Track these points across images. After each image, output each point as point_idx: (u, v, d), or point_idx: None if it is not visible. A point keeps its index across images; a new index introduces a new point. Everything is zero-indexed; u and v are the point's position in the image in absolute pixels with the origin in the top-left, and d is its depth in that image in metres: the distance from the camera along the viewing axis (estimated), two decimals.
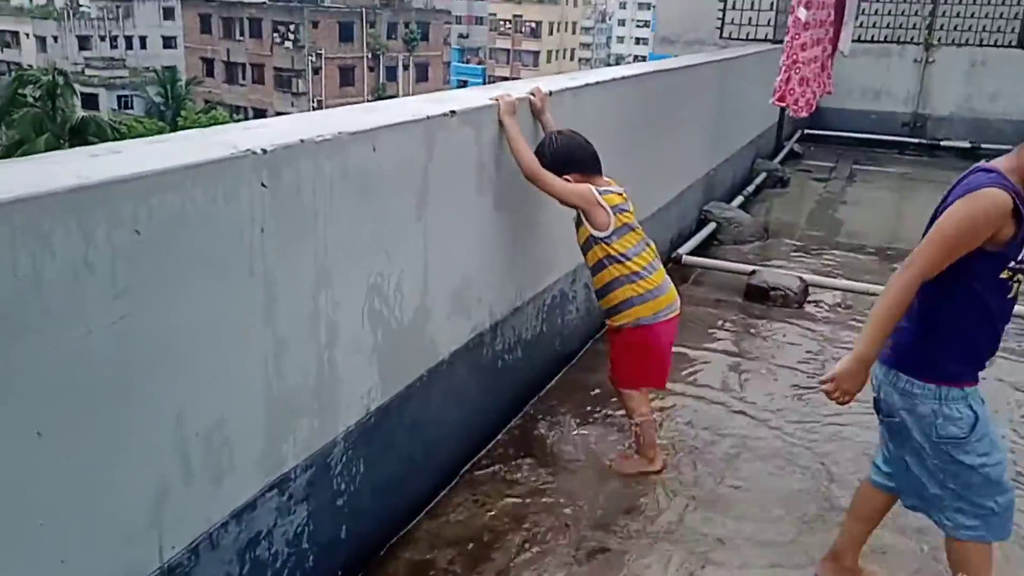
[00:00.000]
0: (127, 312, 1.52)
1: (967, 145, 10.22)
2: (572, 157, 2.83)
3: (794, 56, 5.12)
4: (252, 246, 1.80)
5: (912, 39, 10.26)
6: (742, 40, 9.17)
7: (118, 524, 1.58)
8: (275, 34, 44.31)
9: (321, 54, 44.13)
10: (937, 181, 8.79)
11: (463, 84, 60.77)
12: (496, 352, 3.10)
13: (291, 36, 43.91)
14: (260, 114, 45.33)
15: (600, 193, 2.78)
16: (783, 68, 5.32)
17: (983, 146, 10.16)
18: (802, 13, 5.10)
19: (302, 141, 1.92)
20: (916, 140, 10.51)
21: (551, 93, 3.11)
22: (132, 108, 43.21)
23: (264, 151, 1.80)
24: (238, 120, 40.66)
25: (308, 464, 2.11)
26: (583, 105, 3.50)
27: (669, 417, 3.42)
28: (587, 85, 3.52)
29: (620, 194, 2.86)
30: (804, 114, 5.64)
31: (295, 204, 1.92)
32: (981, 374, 2.12)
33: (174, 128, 36.25)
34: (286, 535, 2.08)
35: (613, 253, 2.82)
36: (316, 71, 44.47)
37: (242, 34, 45.68)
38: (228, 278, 1.76)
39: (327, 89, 45.06)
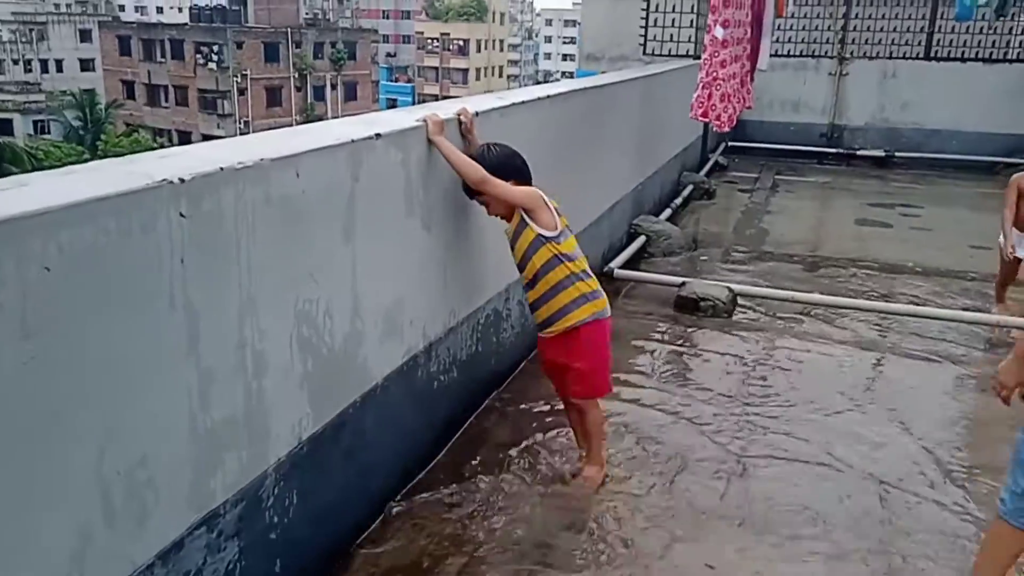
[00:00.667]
0: (38, 352, 1.46)
1: (881, 154, 10.65)
2: (512, 164, 2.94)
3: (713, 73, 5.27)
4: (172, 277, 1.75)
5: (826, 53, 10.65)
6: (665, 56, 9.38)
7: (38, 573, 1.51)
8: (198, 55, 43.47)
9: (247, 75, 43.48)
10: (855, 189, 9.14)
11: (392, 103, 60.63)
12: (431, 374, 3.08)
13: (215, 57, 43.15)
14: (185, 136, 44.44)
15: None
16: (702, 85, 5.46)
17: (897, 154, 10.61)
18: (719, 32, 5.25)
19: (222, 169, 1.88)
20: (834, 150, 10.90)
21: (478, 114, 3.12)
22: (49, 133, 41.83)
23: (182, 180, 1.75)
24: (161, 142, 40.00)
25: (238, 498, 2.05)
26: (511, 124, 3.52)
27: (609, 429, 3.44)
28: (514, 104, 3.54)
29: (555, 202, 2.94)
30: (726, 128, 5.80)
31: (216, 233, 1.88)
32: None
33: (94, 152, 35.21)
34: (216, 573, 2.01)
35: (560, 253, 2.87)
36: (242, 92, 43.77)
37: (163, 56, 44.71)
38: (147, 311, 1.70)
39: (254, 110, 44.39)
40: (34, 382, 1.46)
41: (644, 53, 9.60)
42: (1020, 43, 9.86)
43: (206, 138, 44.19)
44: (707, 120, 5.70)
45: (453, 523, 2.78)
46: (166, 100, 45.39)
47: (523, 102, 3.69)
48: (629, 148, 6.00)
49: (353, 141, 2.38)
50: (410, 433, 2.99)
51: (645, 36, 9.45)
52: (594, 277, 2.99)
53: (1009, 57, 9.90)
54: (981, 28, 9.47)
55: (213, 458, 1.95)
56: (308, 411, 2.31)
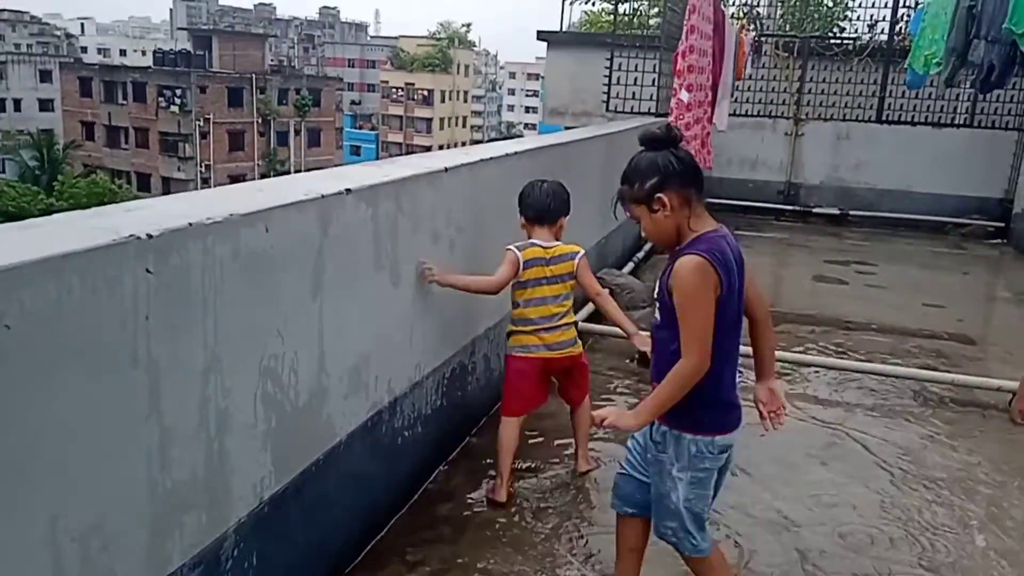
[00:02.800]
0: None
1: (836, 212, 10.92)
2: (522, 202, 3.42)
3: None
4: (136, 335, 1.72)
5: (783, 114, 10.95)
6: (627, 113, 9.55)
7: None
8: (160, 98, 43.25)
9: (209, 119, 43.33)
10: (811, 246, 9.34)
11: (356, 149, 60.84)
12: (395, 429, 3.04)
13: (177, 100, 42.97)
14: (144, 178, 43.99)
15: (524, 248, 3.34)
16: None
17: (851, 213, 10.89)
18: (684, 95, 5.39)
19: (191, 224, 1.86)
20: (790, 207, 11.15)
21: (447, 169, 3.15)
22: (4, 172, 41.10)
23: (150, 236, 1.73)
24: (120, 183, 39.45)
25: (196, 562, 1.99)
26: (479, 180, 3.55)
27: (579, 483, 3.42)
28: (482, 160, 3.58)
29: (543, 247, 3.37)
30: None
31: (183, 290, 1.85)
32: None
33: (49, 192, 34.61)
34: None
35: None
36: (204, 135, 43.56)
37: (125, 98, 44.40)
38: (109, 370, 1.66)
39: (216, 154, 44.16)
40: None
41: (607, 110, 9.77)
42: (966, 109, 10.25)
43: (166, 181, 43.79)
44: None
45: None
46: (126, 142, 44.96)
47: (491, 158, 3.73)
48: (593, 203, 6.06)
49: (323, 196, 2.37)
50: (373, 491, 2.94)
51: (608, 93, 9.63)
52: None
53: (956, 122, 10.27)
54: (930, 94, 9.82)
55: (171, 520, 1.89)
56: (270, 469, 2.26)
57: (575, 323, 3.48)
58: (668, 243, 2.31)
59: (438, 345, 3.37)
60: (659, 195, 2.25)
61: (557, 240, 3.44)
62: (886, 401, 4.60)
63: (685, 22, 5.61)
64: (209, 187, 43.24)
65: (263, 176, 46.04)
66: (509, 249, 3.30)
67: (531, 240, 3.36)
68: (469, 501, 3.25)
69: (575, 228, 5.59)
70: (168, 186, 43.77)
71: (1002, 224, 10.25)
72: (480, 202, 3.63)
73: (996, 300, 7.77)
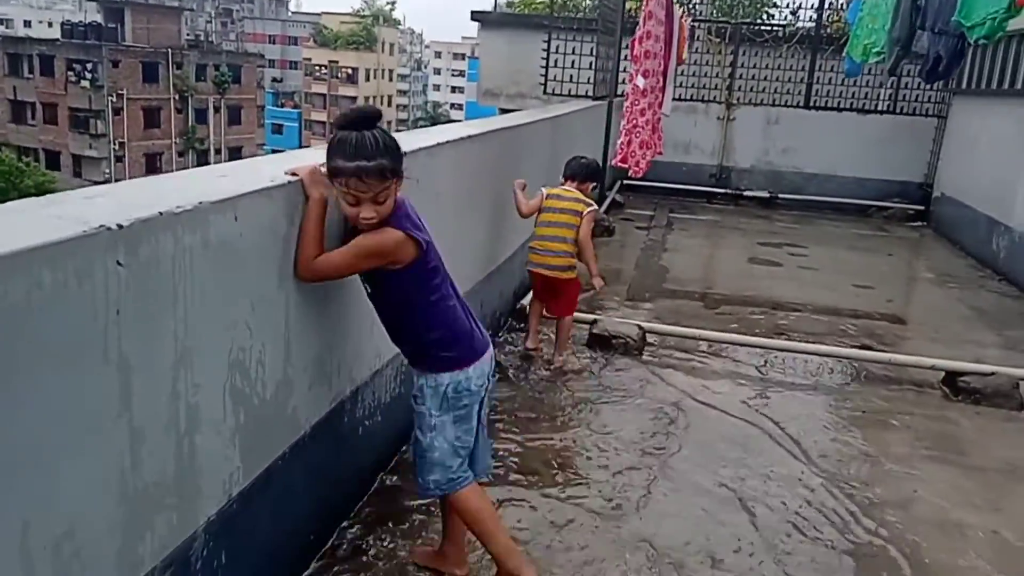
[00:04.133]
0: None
1: (766, 195, 11.20)
2: (566, 165, 4.80)
3: (634, 120, 5.43)
4: (107, 330, 1.62)
5: (715, 98, 11.15)
6: (564, 96, 9.57)
7: None
8: (70, 72, 41.27)
9: (123, 94, 41.58)
10: (744, 228, 9.57)
11: (278, 128, 59.40)
12: (356, 419, 2.98)
13: (88, 75, 41.07)
14: (53, 156, 42.01)
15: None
16: (623, 132, 5.61)
17: (780, 196, 11.20)
18: (640, 81, 5.41)
19: (161, 213, 1.76)
20: (722, 190, 11.39)
21: (405, 153, 3.08)
22: None
23: (120, 226, 1.63)
24: (27, 161, 37.59)
25: (167, 563, 1.91)
26: (437, 164, 3.49)
27: (554, 452, 3.42)
28: (439, 144, 3.52)
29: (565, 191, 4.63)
30: (641, 174, 5.97)
31: (153, 282, 1.76)
32: None
33: None
34: None
35: None
36: (117, 112, 41.80)
37: (31, 71, 42.20)
38: (79, 368, 1.57)
39: (130, 131, 42.46)
40: None
41: (545, 92, 9.77)
42: (889, 96, 10.63)
43: (77, 159, 41.88)
44: (626, 166, 5.85)
45: (382, 571, 2.69)
46: (33, 118, 42.82)
47: (448, 141, 3.67)
48: (538, 184, 6.06)
49: (290, 182, 2.29)
50: (335, 481, 2.88)
51: (546, 76, 9.62)
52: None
53: (879, 109, 10.65)
54: (855, 81, 10.16)
55: (143, 522, 1.81)
56: (239, 465, 2.18)
57: (571, 255, 4.54)
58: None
59: None
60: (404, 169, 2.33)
61: (583, 198, 4.57)
62: (825, 380, 4.75)
63: (643, 7, 5.63)
64: (123, 165, 41.67)
65: (180, 155, 44.54)
66: (542, 188, 4.65)
67: (563, 186, 4.63)
68: None
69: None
70: (79, 164, 41.94)
71: (922, 207, 10.69)
72: (439, 185, 3.57)
73: (920, 280, 8.11)
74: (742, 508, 3.26)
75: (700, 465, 3.59)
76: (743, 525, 3.14)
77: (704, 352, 5.06)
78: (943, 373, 4.70)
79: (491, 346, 2.62)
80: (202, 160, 43.59)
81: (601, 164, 8.60)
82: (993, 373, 4.61)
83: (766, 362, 4.96)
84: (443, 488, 2.54)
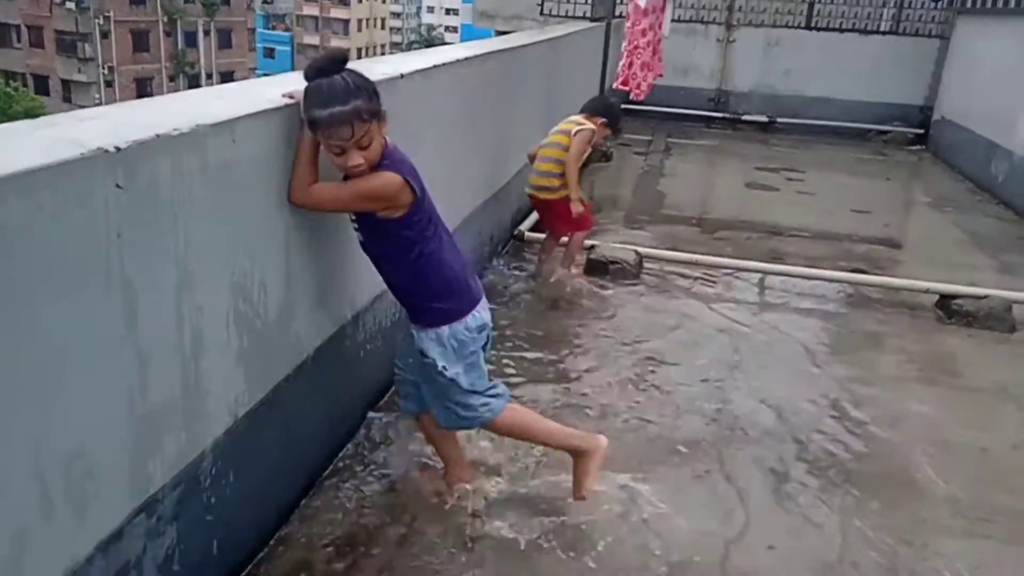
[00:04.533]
0: None
1: (765, 120, 11.07)
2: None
3: (635, 42, 5.32)
4: (109, 253, 1.63)
5: (715, 19, 10.91)
6: (561, 17, 9.36)
7: None
8: None
9: (109, 16, 40.57)
10: (741, 153, 9.49)
11: (270, 52, 58.12)
12: (358, 343, 3.02)
13: None
14: (42, 81, 41.24)
15: None
16: (624, 53, 5.50)
17: (778, 120, 11.07)
18: (642, 0, 5.27)
19: (158, 136, 1.74)
20: (720, 114, 11.25)
21: (403, 76, 3.03)
22: None
23: (118, 149, 1.62)
24: (15, 86, 36.86)
25: (177, 482, 1.96)
26: (433, 87, 3.44)
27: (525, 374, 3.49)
28: (435, 67, 3.46)
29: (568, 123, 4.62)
30: (642, 97, 5.88)
31: (153, 205, 1.75)
32: None
33: None
34: (156, 559, 1.92)
35: None
36: (105, 35, 40.85)
37: None
38: (84, 291, 1.58)
39: (119, 55, 41.60)
40: None
41: (541, 14, 9.55)
42: (892, 16, 10.41)
43: (66, 83, 41.10)
44: (627, 89, 5.75)
45: (387, 492, 2.77)
46: (18, 41, 41.85)
47: (443, 64, 3.61)
48: (535, 111, 5.98)
49: (287, 105, 2.26)
50: (338, 404, 2.94)
51: None
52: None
53: (882, 29, 10.44)
54: (858, 0, 9.93)
55: (152, 442, 1.85)
56: (244, 387, 2.22)
57: (555, 175, 4.58)
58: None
59: None
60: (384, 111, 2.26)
61: (580, 121, 4.58)
62: (820, 304, 4.79)
63: None
64: (113, 90, 40.91)
65: (171, 80, 43.70)
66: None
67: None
68: None
69: (521, 137, 5.55)
70: (68, 89, 41.22)
71: (921, 131, 10.59)
72: (434, 109, 3.53)
73: (918, 205, 8.10)
74: (733, 425, 3.34)
75: (684, 383, 3.65)
76: (735, 431, 3.22)
77: (700, 276, 5.09)
78: (937, 296, 4.74)
79: (484, 295, 2.62)
80: (193, 85, 42.79)
81: (599, 89, 8.48)
82: (987, 296, 4.65)
83: (762, 286, 5.00)
84: (468, 424, 2.63)
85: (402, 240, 2.40)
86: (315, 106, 2.16)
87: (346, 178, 2.33)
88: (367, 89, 2.20)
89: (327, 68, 2.20)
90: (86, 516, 1.66)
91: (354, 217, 2.44)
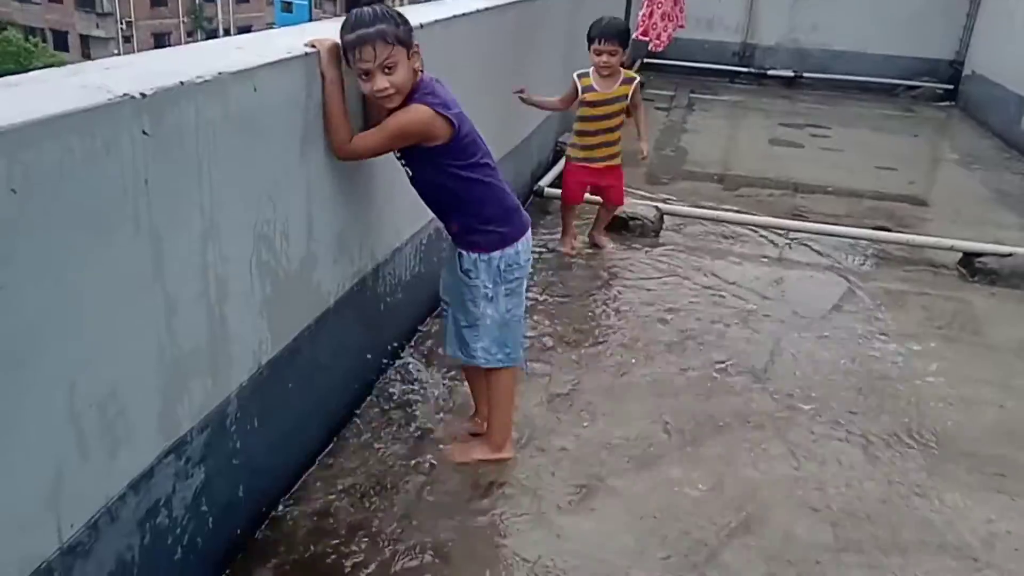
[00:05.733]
0: (7, 281, 1.36)
1: (790, 75, 10.86)
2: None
3: None
4: (136, 200, 1.65)
5: None
6: None
7: (13, 514, 1.45)
8: None
9: None
10: (765, 109, 9.34)
11: (287, 6, 57.53)
12: (379, 295, 3.05)
13: None
14: (61, 36, 41.17)
15: None
16: (645, 3, 5.40)
17: (804, 75, 10.85)
18: None
19: (182, 83, 1.76)
20: (745, 69, 11.03)
21: (423, 26, 3.01)
22: None
23: (143, 95, 1.63)
24: (35, 42, 36.88)
25: (204, 425, 2.01)
26: (452, 38, 3.42)
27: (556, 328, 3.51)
28: (455, 16, 3.43)
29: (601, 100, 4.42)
30: (662, 48, 5.79)
31: (178, 152, 1.77)
32: None
33: None
34: (184, 500, 1.99)
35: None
36: None
37: None
38: (113, 236, 1.61)
39: (136, 10, 41.40)
40: (4, 313, 1.36)
41: None
42: None
43: (84, 39, 40.99)
44: (647, 39, 5.66)
45: (405, 442, 2.82)
46: None
47: (463, 14, 3.57)
48: (556, 64, 5.91)
49: (307, 54, 2.26)
50: (359, 354, 2.98)
51: None
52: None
53: None
54: None
55: (180, 386, 1.89)
56: (267, 336, 2.26)
57: (616, 144, 4.54)
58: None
59: (416, 210, 3.29)
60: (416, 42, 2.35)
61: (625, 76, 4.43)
62: (843, 261, 4.76)
63: None
64: (131, 45, 40.79)
65: (189, 35, 43.46)
66: (575, 75, 4.48)
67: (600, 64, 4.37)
68: (450, 362, 3.30)
69: (539, 90, 5.49)
70: (87, 45, 41.13)
71: (951, 87, 10.35)
72: (455, 61, 3.50)
73: (944, 162, 7.97)
74: (754, 378, 3.36)
75: (706, 343, 3.66)
76: (753, 390, 3.24)
77: (722, 234, 5.06)
78: (961, 254, 4.69)
79: (530, 222, 2.69)
80: (211, 39, 42.50)
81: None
82: (1011, 254, 4.60)
83: (785, 243, 4.97)
84: (492, 360, 2.65)
85: (451, 167, 2.45)
86: (344, 31, 2.28)
87: (370, 115, 2.46)
88: (394, 17, 2.30)
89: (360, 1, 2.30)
90: (118, 456, 1.71)
91: (399, 155, 2.49)
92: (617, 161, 4.52)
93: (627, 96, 4.33)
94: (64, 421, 1.54)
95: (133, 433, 1.74)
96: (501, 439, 2.76)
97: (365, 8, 2.28)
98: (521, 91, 4.38)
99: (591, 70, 4.35)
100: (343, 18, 2.33)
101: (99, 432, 1.63)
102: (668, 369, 3.42)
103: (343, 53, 2.31)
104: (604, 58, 4.23)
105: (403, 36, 2.29)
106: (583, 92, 4.32)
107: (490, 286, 2.57)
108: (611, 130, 4.41)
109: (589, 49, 4.31)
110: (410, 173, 2.53)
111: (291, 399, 2.46)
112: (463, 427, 2.91)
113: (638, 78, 4.40)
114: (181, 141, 1.78)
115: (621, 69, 4.35)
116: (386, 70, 2.26)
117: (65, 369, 1.53)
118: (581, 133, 4.47)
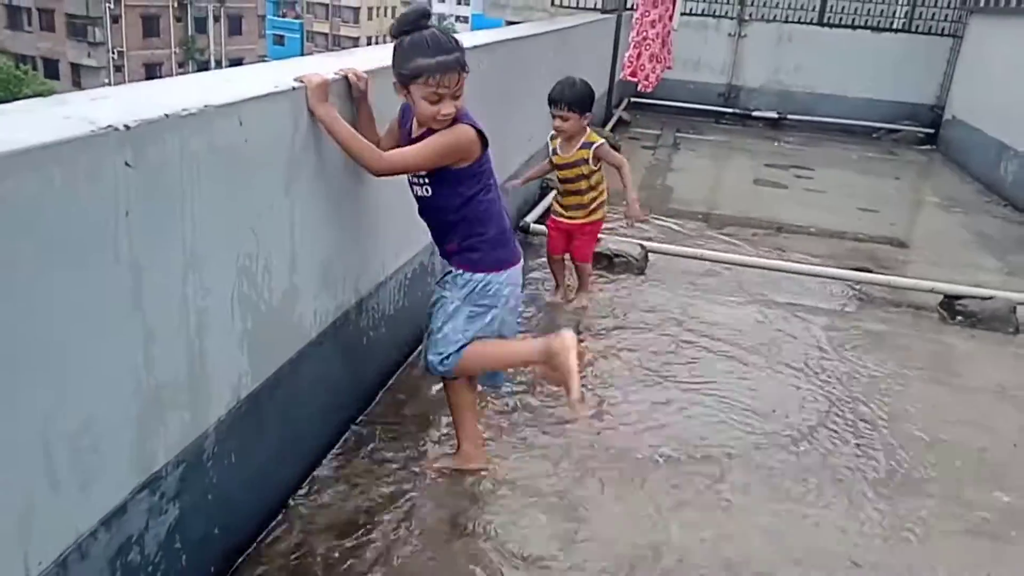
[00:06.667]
0: None
1: (775, 116, 11.04)
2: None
3: (644, 32, 5.31)
4: (117, 231, 1.64)
5: (727, 13, 10.87)
6: (572, 8, 9.34)
7: None
8: None
9: (120, 1, 40.57)
10: (750, 149, 9.47)
11: (279, 39, 58.06)
12: (361, 329, 3.04)
13: None
14: (52, 64, 41.27)
15: None
16: (632, 44, 5.50)
17: (788, 116, 11.04)
18: None
19: (167, 116, 1.76)
20: (730, 110, 11.22)
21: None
22: None
23: (127, 127, 1.63)
24: (25, 69, 36.92)
25: (180, 460, 1.98)
26: None
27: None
28: None
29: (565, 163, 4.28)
30: (651, 88, 5.87)
31: (161, 184, 1.77)
32: None
33: None
34: (157, 536, 1.95)
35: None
36: (115, 19, 40.86)
37: None
38: (92, 267, 1.60)
39: (129, 40, 41.60)
40: None
41: (552, 4, 9.53)
42: (904, 14, 10.36)
43: (75, 67, 41.11)
44: (635, 80, 5.73)
45: (385, 479, 2.78)
46: (29, 23, 41.89)
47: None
48: (541, 101, 5.97)
49: (294, 88, 2.27)
50: (340, 390, 2.95)
51: None
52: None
53: (894, 27, 10.39)
54: None
55: (156, 419, 1.87)
56: (247, 369, 2.24)
57: (590, 202, 4.36)
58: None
59: (400, 244, 3.34)
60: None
61: (589, 140, 4.23)
62: (825, 302, 4.79)
63: None
64: (122, 75, 40.93)
65: (180, 65, 43.71)
66: (548, 138, 4.43)
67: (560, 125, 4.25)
68: (432, 398, 3.29)
69: (528, 128, 5.55)
70: (78, 73, 41.25)
71: (932, 131, 10.55)
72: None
73: (925, 205, 8.08)
74: (742, 416, 3.35)
75: (693, 383, 3.66)
76: (737, 430, 3.23)
77: (706, 272, 5.09)
78: (942, 296, 4.73)
79: (522, 258, 2.73)
80: (202, 71, 42.72)
81: (609, 80, 8.47)
82: (991, 297, 4.64)
83: (767, 282, 5.00)
84: (438, 368, 2.68)
85: (468, 187, 2.51)
86: (420, 55, 2.30)
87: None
88: (461, 44, 2.37)
89: (418, 23, 2.34)
90: (91, 491, 1.68)
91: (424, 174, 2.51)
92: (592, 218, 4.34)
93: (587, 160, 4.14)
94: (36, 454, 1.51)
95: (107, 467, 1.71)
96: (470, 448, 2.81)
97: (435, 32, 2.33)
98: (518, 182, 4.56)
99: None
100: (410, 39, 2.33)
101: (71, 466, 1.60)
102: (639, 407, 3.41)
103: (411, 78, 2.33)
104: (557, 123, 4.14)
105: (466, 63, 2.37)
106: (551, 153, 4.31)
107: (455, 301, 2.61)
108: (578, 192, 4.27)
109: None
110: (427, 193, 2.56)
111: (270, 434, 2.44)
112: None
113: (598, 142, 4.17)
114: (164, 173, 1.78)
115: (587, 129, 4.21)
116: (455, 96, 2.33)
117: (38, 401, 1.50)
118: (557, 190, 4.50)
